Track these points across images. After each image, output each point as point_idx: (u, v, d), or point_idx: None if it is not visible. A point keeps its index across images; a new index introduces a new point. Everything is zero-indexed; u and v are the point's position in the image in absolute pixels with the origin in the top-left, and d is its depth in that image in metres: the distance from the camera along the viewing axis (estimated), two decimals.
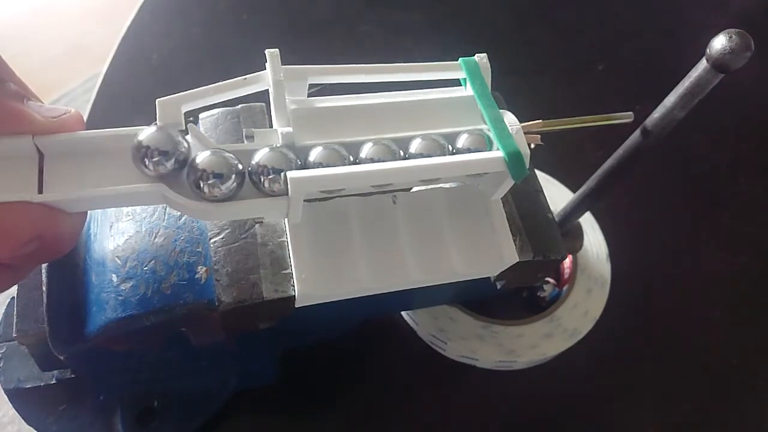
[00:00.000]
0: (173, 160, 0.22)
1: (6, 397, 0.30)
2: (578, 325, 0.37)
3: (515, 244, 0.29)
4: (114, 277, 0.26)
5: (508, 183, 0.26)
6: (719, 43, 0.23)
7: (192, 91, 0.24)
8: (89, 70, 1.25)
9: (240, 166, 0.23)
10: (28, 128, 0.21)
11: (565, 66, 0.58)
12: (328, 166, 0.24)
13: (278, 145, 0.24)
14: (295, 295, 0.26)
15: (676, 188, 0.50)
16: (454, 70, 0.27)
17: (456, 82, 0.28)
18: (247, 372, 0.34)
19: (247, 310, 0.26)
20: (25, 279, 0.24)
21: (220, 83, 0.24)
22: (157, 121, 0.23)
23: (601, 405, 0.38)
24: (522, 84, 0.53)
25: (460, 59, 0.27)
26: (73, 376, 0.30)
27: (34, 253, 0.21)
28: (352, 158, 0.24)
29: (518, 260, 0.28)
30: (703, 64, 0.24)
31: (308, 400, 0.36)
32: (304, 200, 0.25)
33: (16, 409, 0.31)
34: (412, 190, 0.29)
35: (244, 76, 0.25)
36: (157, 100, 0.23)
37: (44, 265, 0.27)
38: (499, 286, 0.31)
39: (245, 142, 0.24)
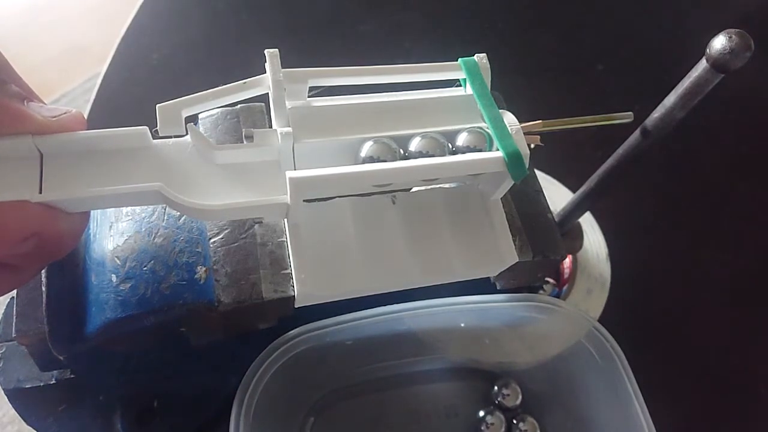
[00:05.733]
0: None
1: (6, 397, 0.30)
2: None
3: (515, 244, 0.29)
4: (114, 277, 0.26)
5: (508, 183, 0.26)
6: (719, 43, 0.23)
7: (192, 96, 0.24)
8: (89, 70, 1.25)
9: None
10: (28, 128, 0.21)
11: (565, 66, 0.58)
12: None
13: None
14: (294, 296, 0.26)
15: (676, 188, 0.50)
16: (454, 70, 0.27)
17: (456, 83, 0.28)
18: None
19: (246, 310, 0.26)
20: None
21: (219, 87, 0.24)
22: (158, 127, 0.23)
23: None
24: (522, 84, 0.53)
25: (459, 59, 0.27)
26: (73, 376, 0.30)
27: (34, 252, 0.21)
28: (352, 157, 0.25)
29: (518, 260, 0.28)
30: (703, 64, 0.24)
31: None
32: (304, 200, 0.25)
33: (16, 409, 0.31)
34: (412, 191, 0.29)
35: (244, 80, 0.25)
36: (157, 106, 0.23)
37: None
38: (499, 286, 0.31)
39: (245, 142, 0.24)
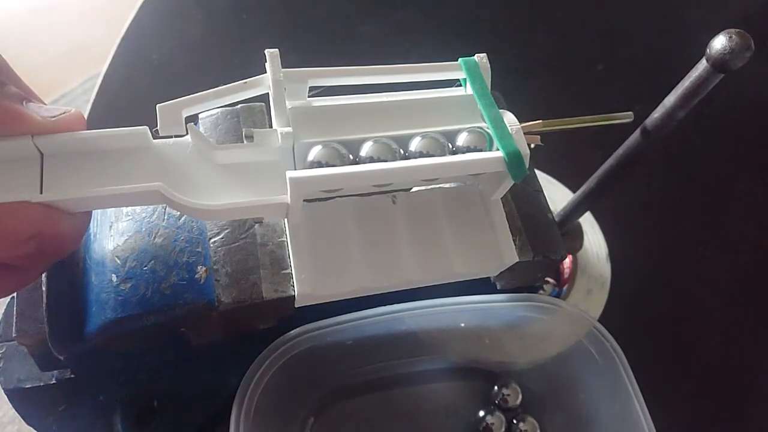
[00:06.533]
0: None
1: (6, 397, 0.30)
2: None
3: (515, 244, 0.29)
4: (114, 277, 0.26)
5: (508, 183, 0.26)
6: (719, 43, 0.23)
7: (192, 96, 0.24)
8: (89, 70, 1.25)
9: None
10: (27, 129, 0.21)
11: (565, 66, 0.58)
12: (327, 164, 0.24)
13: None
14: (294, 296, 0.26)
15: (676, 188, 0.50)
16: (454, 70, 0.27)
17: (456, 83, 0.28)
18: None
19: (246, 310, 0.26)
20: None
21: (220, 87, 0.24)
22: (158, 126, 0.23)
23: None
24: (522, 84, 0.53)
25: (460, 59, 0.27)
26: (73, 376, 0.30)
27: (36, 252, 0.21)
28: (351, 157, 0.25)
29: (518, 260, 0.28)
30: (703, 64, 0.24)
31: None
32: (304, 200, 0.25)
33: (16, 409, 0.31)
34: (412, 190, 0.29)
35: (245, 80, 0.25)
36: (157, 106, 0.23)
37: None
38: (499, 286, 0.31)
39: (245, 141, 0.24)
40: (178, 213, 0.28)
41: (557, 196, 0.42)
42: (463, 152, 0.26)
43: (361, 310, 0.30)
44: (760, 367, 0.41)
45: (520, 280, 0.32)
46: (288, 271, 0.26)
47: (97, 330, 0.26)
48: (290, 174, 0.23)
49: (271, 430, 0.31)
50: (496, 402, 0.36)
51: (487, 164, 0.25)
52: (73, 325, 0.26)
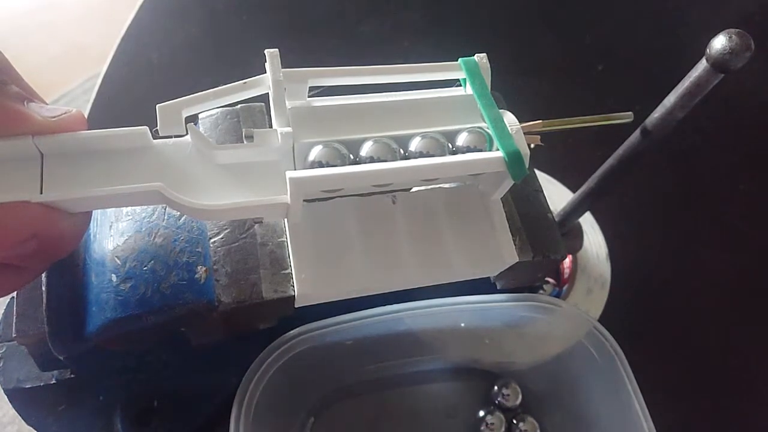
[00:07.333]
0: None
1: (6, 397, 0.30)
2: None
3: (515, 244, 0.29)
4: (114, 277, 0.26)
5: (508, 183, 0.26)
6: (719, 43, 0.23)
7: (192, 96, 0.24)
8: (89, 70, 1.25)
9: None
10: (28, 129, 0.21)
11: (565, 66, 0.58)
12: (327, 164, 0.24)
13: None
14: (294, 296, 0.26)
15: (676, 188, 0.50)
16: (454, 70, 0.27)
17: (456, 83, 0.28)
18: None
19: (246, 310, 0.26)
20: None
21: (220, 87, 0.24)
22: (158, 126, 0.23)
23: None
24: (522, 84, 0.53)
25: (459, 59, 0.27)
26: (73, 376, 0.30)
27: (35, 252, 0.21)
28: (352, 157, 0.25)
29: (518, 260, 0.28)
30: (703, 64, 0.24)
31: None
32: (304, 200, 0.25)
33: (16, 409, 0.31)
34: (412, 190, 0.29)
35: (244, 80, 0.25)
36: (157, 106, 0.23)
37: None
38: (499, 286, 0.31)
39: (245, 141, 0.24)
40: (178, 213, 0.27)
41: (557, 196, 0.42)
42: (463, 152, 0.25)
43: (361, 310, 0.30)
44: (760, 367, 0.41)
45: (520, 280, 0.32)
46: (288, 271, 0.26)
47: (97, 330, 0.26)
48: (290, 174, 0.23)
49: (271, 430, 0.31)
50: (496, 402, 0.36)
51: (487, 164, 0.25)
52: (73, 325, 0.26)
